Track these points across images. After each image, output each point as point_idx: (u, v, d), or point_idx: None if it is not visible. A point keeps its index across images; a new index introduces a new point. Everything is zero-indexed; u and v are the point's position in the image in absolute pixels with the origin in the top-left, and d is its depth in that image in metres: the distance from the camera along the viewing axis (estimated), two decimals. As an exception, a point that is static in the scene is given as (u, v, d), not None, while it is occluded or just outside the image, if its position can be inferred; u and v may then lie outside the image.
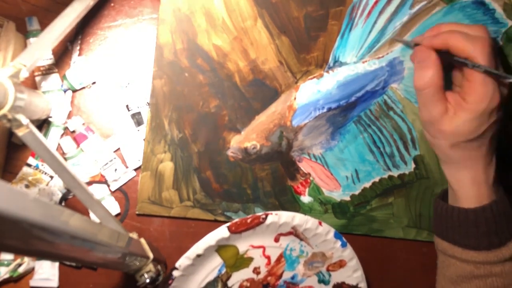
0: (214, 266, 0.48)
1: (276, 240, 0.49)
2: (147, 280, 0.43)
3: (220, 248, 0.47)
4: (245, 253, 0.49)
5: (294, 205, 0.52)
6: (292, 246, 0.50)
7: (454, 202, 0.43)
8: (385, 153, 0.51)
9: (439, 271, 0.45)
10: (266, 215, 0.46)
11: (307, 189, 0.51)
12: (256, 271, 0.50)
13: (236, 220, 0.46)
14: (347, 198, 0.52)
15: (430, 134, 0.41)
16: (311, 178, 0.51)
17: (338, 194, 0.52)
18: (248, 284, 0.50)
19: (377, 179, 0.52)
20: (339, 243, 0.49)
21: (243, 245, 0.48)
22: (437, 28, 0.40)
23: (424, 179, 0.52)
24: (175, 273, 0.46)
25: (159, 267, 0.44)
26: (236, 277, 0.50)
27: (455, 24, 0.40)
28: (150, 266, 0.43)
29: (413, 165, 0.52)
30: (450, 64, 0.40)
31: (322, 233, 0.48)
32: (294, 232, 0.49)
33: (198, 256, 0.46)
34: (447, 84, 0.40)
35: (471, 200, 0.41)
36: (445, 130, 0.39)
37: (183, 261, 0.46)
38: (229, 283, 0.50)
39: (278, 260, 0.50)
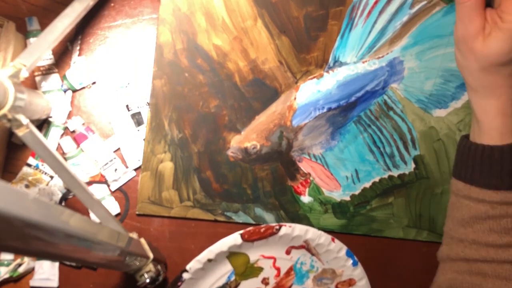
0: (223, 272, 0.48)
1: (288, 252, 0.49)
2: (147, 280, 0.43)
3: (231, 255, 0.47)
4: (255, 262, 0.49)
5: (294, 205, 0.52)
6: (303, 260, 0.50)
7: (477, 137, 0.41)
8: (385, 153, 0.51)
9: (449, 213, 0.43)
10: (280, 226, 0.47)
11: (307, 189, 0.51)
12: (265, 281, 0.50)
13: (250, 228, 0.46)
14: (347, 198, 0.52)
15: (461, 53, 0.39)
16: (311, 178, 0.51)
17: (338, 194, 0.52)
18: None
19: (377, 179, 0.52)
20: (350, 261, 0.49)
21: (254, 254, 0.48)
22: None
23: (424, 179, 0.52)
24: (185, 276, 0.46)
25: (159, 267, 0.44)
26: (245, 285, 0.50)
27: None
28: (150, 266, 0.43)
29: (413, 165, 0.52)
30: None
31: (334, 249, 0.48)
32: (306, 246, 0.49)
33: (209, 260, 0.46)
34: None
35: (495, 135, 0.39)
36: (478, 49, 0.37)
37: (193, 264, 0.46)
38: None
39: (288, 273, 0.50)
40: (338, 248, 0.48)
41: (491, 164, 0.39)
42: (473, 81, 0.40)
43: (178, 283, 0.46)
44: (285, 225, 0.47)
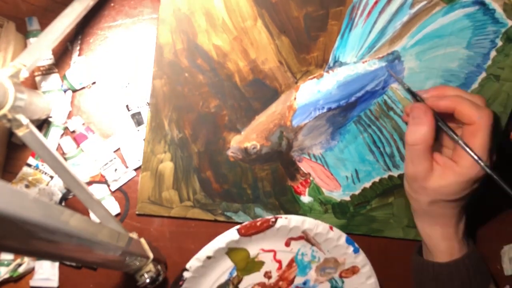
0: (225, 268, 0.48)
1: (287, 244, 0.49)
2: (147, 280, 0.43)
3: (230, 250, 0.47)
4: (256, 256, 0.49)
5: (294, 205, 0.52)
6: (304, 251, 0.50)
7: (428, 256, 0.45)
8: (385, 153, 0.51)
9: None
10: (276, 219, 0.46)
11: (307, 189, 0.51)
12: (268, 275, 0.50)
13: (246, 223, 0.46)
14: (347, 198, 0.52)
15: (412, 188, 0.43)
16: (311, 178, 0.51)
17: (338, 194, 0.52)
18: None
19: (377, 179, 0.52)
20: (351, 248, 0.48)
21: (253, 248, 0.48)
22: (441, 89, 0.42)
23: (424, 179, 0.52)
24: (186, 274, 0.46)
25: (159, 267, 0.44)
26: (247, 280, 0.50)
27: (459, 90, 0.41)
28: (150, 266, 0.43)
29: (413, 165, 0.52)
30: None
31: (334, 238, 0.48)
32: (305, 237, 0.48)
33: (208, 258, 0.46)
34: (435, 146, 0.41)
35: (443, 255, 0.43)
36: (429, 187, 0.40)
37: (193, 263, 0.46)
38: (240, 286, 0.50)
39: (290, 265, 0.50)
40: (338, 236, 0.48)
41: (443, 280, 0.42)
42: (421, 211, 0.43)
43: (180, 282, 0.46)
44: (281, 217, 0.47)
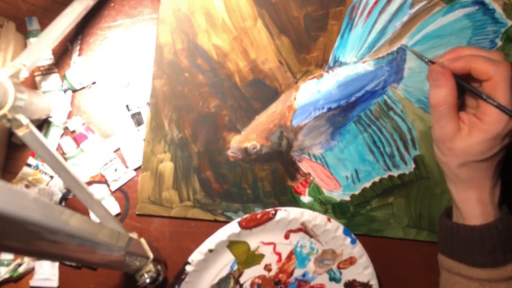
0: (226, 262, 0.49)
1: (286, 237, 0.49)
2: (147, 280, 0.43)
3: (231, 244, 0.48)
4: (256, 249, 0.49)
5: (294, 205, 0.52)
6: (302, 243, 0.50)
7: (459, 219, 0.43)
8: (385, 153, 0.51)
9: None
10: (276, 211, 0.47)
11: (307, 189, 0.51)
12: (268, 268, 0.50)
13: (247, 215, 0.47)
14: (347, 198, 0.52)
15: (441, 151, 0.42)
16: (311, 178, 0.51)
17: (338, 194, 0.52)
18: (260, 281, 0.51)
19: (377, 179, 0.52)
20: (348, 239, 0.49)
21: (254, 241, 0.49)
22: (456, 51, 0.41)
23: (424, 179, 0.52)
24: (188, 268, 0.47)
25: (159, 267, 0.44)
26: (248, 273, 0.50)
27: (475, 48, 0.40)
28: (150, 266, 0.43)
29: (413, 165, 0.52)
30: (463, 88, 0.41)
31: (331, 229, 0.48)
32: (304, 229, 0.49)
33: (210, 251, 0.47)
34: (461, 106, 0.41)
35: (476, 218, 0.42)
36: (457, 148, 0.39)
37: (195, 256, 0.46)
38: (241, 279, 0.50)
39: (289, 257, 0.50)
40: (335, 227, 0.48)
41: (473, 243, 0.41)
42: (452, 175, 0.42)
43: (182, 276, 0.47)
44: (281, 209, 0.47)
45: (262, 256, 0.50)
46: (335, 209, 0.52)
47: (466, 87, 0.39)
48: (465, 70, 0.39)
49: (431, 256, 0.56)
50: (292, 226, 0.49)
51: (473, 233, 0.41)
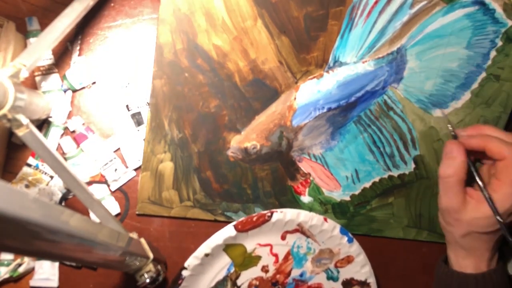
0: (222, 265, 0.49)
1: (283, 238, 0.50)
2: (147, 280, 0.43)
3: (227, 247, 0.48)
4: (252, 251, 0.49)
5: (294, 205, 0.52)
6: (299, 243, 0.50)
7: (455, 268, 0.45)
8: (385, 153, 0.51)
9: None
10: (272, 213, 0.47)
11: (307, 189, 0.51)
12: (265, 269, 0.50)
13: (242, 218, 0.47)
14: (347, 198, 0.52)
15: (446, 220, 0.44)
16: (311, 178, 0.51)
17: (338, 194, 0.52)
18: (257, 283, 0.51)
19: (377, 179, 0.52)
20: (345, 238, 0.49)
21: (250, 243, 0.49)
22: (477, 128, 0.43)
23: (424, 179, 0.52)
24: (185, 273, 0.46)
25: (159, 267, 0.44)
26: (245, 276, 0.50)
27: (495, 129, 0.43)
28: (150, 266, 0.43)
29: (413, 165, 0.52)
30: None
31: (328, 229, 0.48)
32: (300, 229, 0.49)
33: (206, 255, 0.46)
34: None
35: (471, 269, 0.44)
36: (463, 220, 0.41)
37: (191, 261, 0.46)
38: (238, 282, 0.50)
39: (286, 258, 0.50)
40: (332, 227, 0.49)
41: None
42: (454, 243, 0.44)
43: (179, 281, 0.47)
44: (277, 211, 0.47)
45: (259, 257, 0.50)
46: (335, 209, 0.52)
47: (473, 173, 0.41)
48: (480, 148, 0.41)
49: (431, 256, 0.56)
50: (288, 227, 0.49)
51: (467, 281, 0.43)
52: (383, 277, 0.55)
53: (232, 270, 0.49)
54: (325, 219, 0.48)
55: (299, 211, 0.48)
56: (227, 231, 0.46)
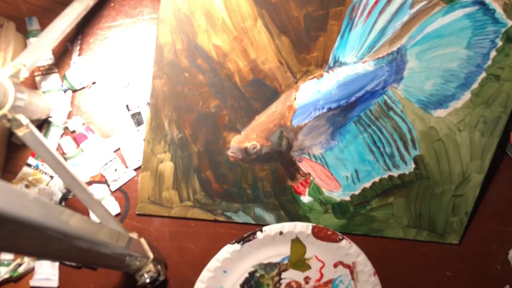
0: (282, 252, 0.51)
1: (335, 265, 0.52)
2: (147, 280, 0.43)
3: (295, 240, 0.51)
4: (308, 259, 0.52)
5: (294, 205, 0.52)
6: (343, 279, 0.53)
7: None
8: (385, 153, 0.51)
9: None
10: (343, 237, 0.50)
11: (307, 189, 0.51)
12: (306, 280, 0.53)
13: (321, 226, 0.50)
14: (347, 198, 0.52)
15: None
16: (311, 178, 0.51)
17: (338, 194, 0.52)
18: (295, 286, 0.53)
19: (377, 179, 0.52)
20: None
21: (311, 251, 0.52)
22: None
23: (424, 179, 0.52)
24: (259, 235, 0.49)
25: (159, 267, 0.44)
26: (290, 274, 0.53)
27: None
28: (150, 266, 0.43)
29: (413, 165, 0.52)
30: None
31: (372, 283, 0.52)
32: (351, 268, 0.52)
33: (280, 233, 0.49)
34: None
35: None
36: None
37: (269, 231, 0.49)
38: (283, 274, 0.52)
39: (327, 283, 0.53)
40: (375, 283, 0.52)
41: None
42: None
43: (250, 237, 0.49)
44: (347, 240, 0.51)
45: (308, 267, 0.53)
46: (335, 209, 0.52)
47: None
48: None
49: (431, 256, 0.56)
50: (345, 259, 0.52)
51: None
52: (383, 277, 0.55)
53: (285, 262, 0.52)
54: (374, 273, 0.51)
55: (361, 252, 0.51)
56: (306, 226, 0.49)
